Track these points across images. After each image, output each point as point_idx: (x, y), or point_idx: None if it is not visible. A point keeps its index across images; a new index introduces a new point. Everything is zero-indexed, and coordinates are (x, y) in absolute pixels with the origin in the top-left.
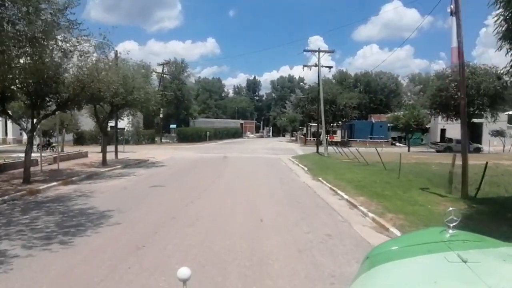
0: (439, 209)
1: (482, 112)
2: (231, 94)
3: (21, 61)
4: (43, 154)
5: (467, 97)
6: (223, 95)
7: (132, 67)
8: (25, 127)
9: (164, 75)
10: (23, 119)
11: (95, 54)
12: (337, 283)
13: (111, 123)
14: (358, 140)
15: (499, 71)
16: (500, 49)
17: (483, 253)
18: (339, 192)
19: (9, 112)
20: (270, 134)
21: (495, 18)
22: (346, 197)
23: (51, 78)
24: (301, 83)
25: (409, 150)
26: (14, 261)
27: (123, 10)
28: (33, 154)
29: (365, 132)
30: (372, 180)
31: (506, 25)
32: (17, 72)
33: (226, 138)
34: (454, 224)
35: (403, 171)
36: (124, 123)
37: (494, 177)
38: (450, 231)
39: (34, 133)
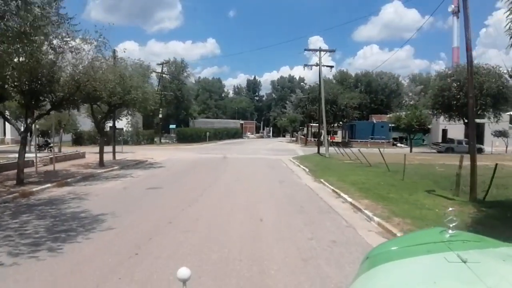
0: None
1: (485, 113)
2: (231, 94)
3: (14, 59)
4: (40, 155)
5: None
6: (223, 95)
7: (130, 66)
8: (19, 127)
9: (164, 75)
10: (21, 119)
11: (91, 52)
12: None
13: (109, 123)
14: (359, 140)
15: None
16: None
17: (483, 253)
18: (342, 194)
19: (5, 111)
20: (270, 134)
21: (507, 13)
22: (349, 200)
23: (45, 76)
24: (302, 83)
25: (411, 151)
26: None
27: (124, 10)
28: (29, 155)
29: (366, 132)
30: (376, 182)
31: None
32: (8, 70)
33: (226, 138)
34: (453, 224)
35: (407, 172)
36: (123, 123)
37: (501, 179)
38: (450, 231)
39: (33, 133)
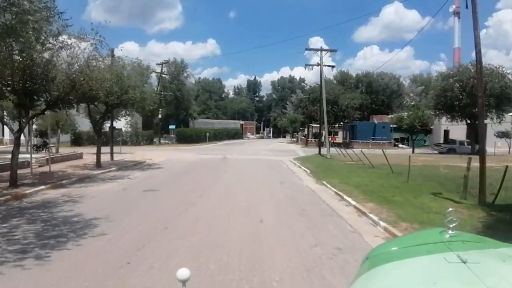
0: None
1: (488, 113)
2: (231, 95)
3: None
4: (36, 156)
5: (472, 97)
6: (223, 95)
7: (128, 65)
8: (12, 127)
9: (164, 75)
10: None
11: (86, 50)
12: None
13: (108, 124)
14: (360, 141)
15: None
16: None
17: (483, 254)
18: (345, 197)
19: (3, 112)
20: (271, 135)
21: None
22: (353, 203)
23: (39, 75)
24: (302, 84)
25: (413, 152)
26: None
27: (124, 11)
28: (26, 156)
29: (367, 133)
30: (380, 184)
31: None
32: None
33: (226, 139)
34: (453, 224)
35: (411, 174)
36: (122, 123)
37: (508, 181)
38: (450, 231)
39: (30, 133)
